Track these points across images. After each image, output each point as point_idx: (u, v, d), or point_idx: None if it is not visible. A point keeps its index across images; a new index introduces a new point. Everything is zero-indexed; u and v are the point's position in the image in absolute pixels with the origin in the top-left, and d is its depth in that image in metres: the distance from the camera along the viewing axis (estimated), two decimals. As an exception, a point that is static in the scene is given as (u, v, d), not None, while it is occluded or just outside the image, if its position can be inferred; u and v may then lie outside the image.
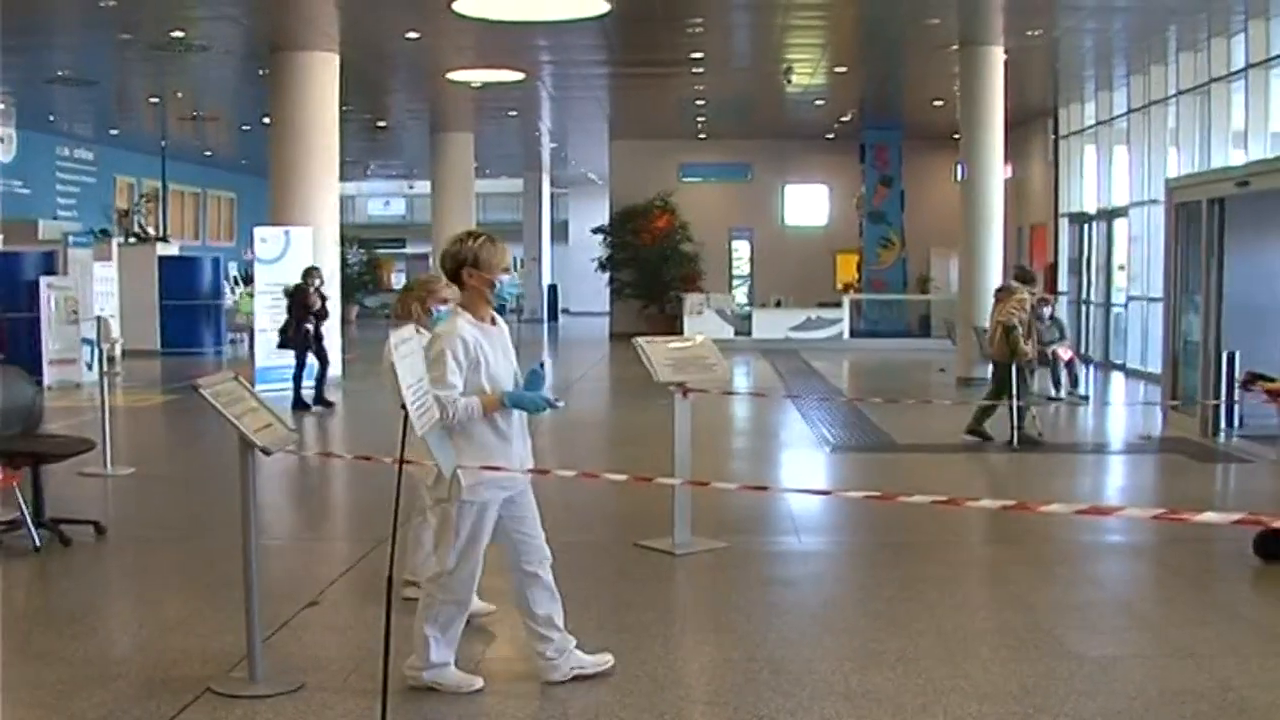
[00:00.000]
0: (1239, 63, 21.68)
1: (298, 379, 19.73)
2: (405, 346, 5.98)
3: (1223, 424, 15.87)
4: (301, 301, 19.54)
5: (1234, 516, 5.53)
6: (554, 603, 6.77)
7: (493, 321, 6.64)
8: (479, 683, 6.68)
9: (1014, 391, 15.58)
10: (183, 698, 6.49)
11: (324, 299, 19.79)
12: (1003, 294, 16.52)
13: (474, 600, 8.23)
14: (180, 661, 7.14)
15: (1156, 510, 7.12)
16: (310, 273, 19.93)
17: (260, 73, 24.22)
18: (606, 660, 6.90)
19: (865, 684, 6.77)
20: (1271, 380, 11.21)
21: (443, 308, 8.53)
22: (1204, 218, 16.19)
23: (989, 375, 17.14)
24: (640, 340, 10.33)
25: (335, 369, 23.30)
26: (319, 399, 19.68)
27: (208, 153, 41.25)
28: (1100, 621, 8.27)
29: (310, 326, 19.59)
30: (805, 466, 15.17)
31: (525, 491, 6.76)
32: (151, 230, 35.14)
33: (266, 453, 6.57)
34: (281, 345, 19.92)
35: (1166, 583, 9.40)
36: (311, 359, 19.74)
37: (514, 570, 6.76)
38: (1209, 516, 5.75)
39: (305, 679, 6.77)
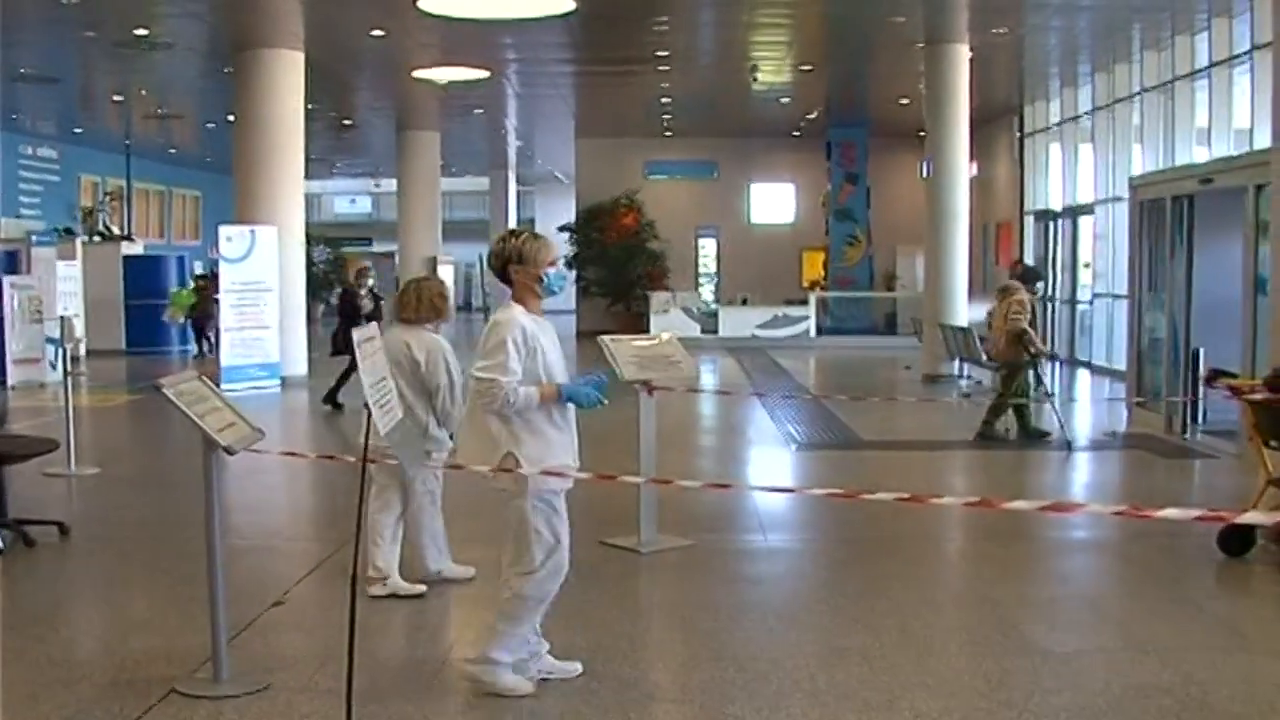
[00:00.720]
0: (1202, 61, 21.79)
1: (344, 378, 18.54)
2: (368, 345, 5.96)
3: (1188, 420, 15.94)
4: (350, 304, 18.86)
5: (1195, 513, 5.56)
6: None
7: (542, 315, 6.68)
8: (529, 687, 6.58)
9: (1027, 388, 15.62)
10: (148, 699, 6.46)
11: (378, 300, 19.00)
12: (1003, 294, 16.56)
13: (452, 567, 8.81)
14: (145, 662, 7.11)
15: (1119, 507, 7.16)
16: (361, 273, 19.35)
17: (225, 70, 24.13)
18: (575, 669, 6.87)
19: (831, 681, 6.78)
20: (1234, 376, 11.27)
21: None
22: (1168, 215, 16.26)
23: (999, 378, 17.09)
24: (605, 338, 10.36)
25: (303, 368, 23.32)
26: (334, 399, 18.92)
27: (172, 151, 41.07)
28: (1065, 617, 8.30)
29: None
30: (772, 464, 15.18)
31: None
32: (116, 229, 35.04)
33: (230, 452, 6.55)
34: (335, 353, 19.05)
35: (1131, 578, 9.43)
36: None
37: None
38: (1170, 513, 5.78)
39: (271, 679, 6.75)
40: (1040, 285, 16.36)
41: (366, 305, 18.83)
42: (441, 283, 9.00)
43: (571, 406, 6.61)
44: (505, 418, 6.40)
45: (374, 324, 7.25)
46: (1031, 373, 16.25)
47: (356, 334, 5.97)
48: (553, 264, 6.61)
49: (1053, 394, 20.30)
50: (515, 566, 6.53)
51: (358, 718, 5.83)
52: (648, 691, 6.76)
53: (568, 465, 6.59)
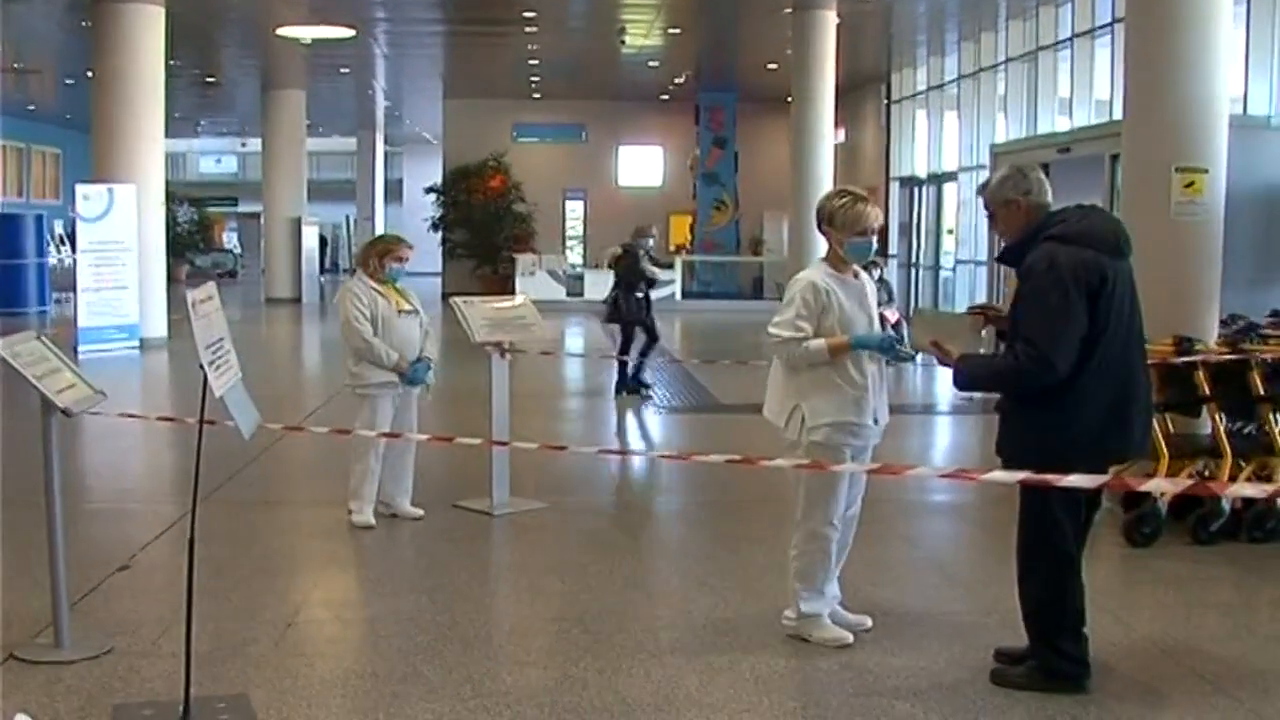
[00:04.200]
0: (1066, 32, 22.11)
1: (624, 361, 16.87)
2: (204, 305, 5.86)
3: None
4: (632, 267, 16.69)
5: (1020, 475, 5.65)
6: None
7: (855, 275, 6.88)
8: (849, 637, 6.86)
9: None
10: (-16, 664, 6.37)
11: (656, 263, 17.17)
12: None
13: (408, 508, 9.61)
14: (-17, 627, 7.00)
15: (947, 469, 7.27)
16: (641, 232, 17.04)
17: (84, 24, 23.68)
18: (865, 622, 7.10)
19: (677, 643, 6.82)
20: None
21: (396, 265, 9.45)
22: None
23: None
24: (458, 300, 10.37)
25: (162, 329, 23.00)
26: (639, 380, 16.80)
27: (31, 107, 40.30)
28: (913, 580, 8.43)
29: (642, 294, 16.75)
30: (629, 427, 15.23)
31: (874, 445, 7.01)
32: (-29, 187, 34.39)
33: (68, 414, 6.46)
34: (610, 319, 17.14)
35: (980, 542, 9.56)
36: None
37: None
38: (995, 475, 5.89)
39: (113, 643, 6.67)
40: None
41: (654, 271, 17.04)
42: (380, 239, 9.99)
43: (876, 368, 6.82)
44: (796, 372, 6.68)
45: (210, 283, 7.10)
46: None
47: (191, 293, 5.82)
48: (861, 234, 6.73)
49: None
50: (799, 522, 6.91)
51: (197, 680, 5.77)
52: (490, 652, 6.75)
53: (858, 421, 6.72)
